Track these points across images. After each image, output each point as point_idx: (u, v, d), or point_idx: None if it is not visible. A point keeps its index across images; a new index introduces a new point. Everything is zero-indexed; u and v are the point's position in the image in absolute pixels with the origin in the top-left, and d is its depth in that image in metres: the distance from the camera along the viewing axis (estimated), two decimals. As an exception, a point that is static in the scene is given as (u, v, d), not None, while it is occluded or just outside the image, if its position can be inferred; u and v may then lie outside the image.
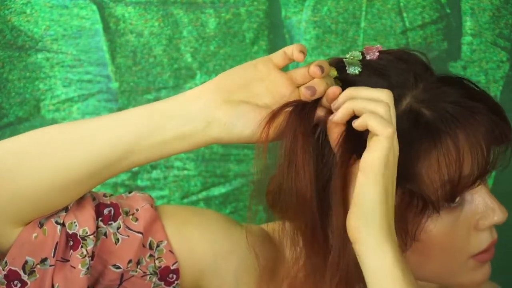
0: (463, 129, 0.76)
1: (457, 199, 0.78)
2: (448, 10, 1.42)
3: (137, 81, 1.40)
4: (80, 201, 0.81)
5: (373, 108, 0.72)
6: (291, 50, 0.78)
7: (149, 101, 1.41)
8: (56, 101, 1.39)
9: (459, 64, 1.43)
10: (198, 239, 0.86)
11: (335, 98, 0.76)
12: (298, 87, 0.79)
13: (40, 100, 1.39)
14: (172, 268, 0.83)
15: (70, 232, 0.79)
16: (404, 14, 1.41)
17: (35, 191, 0.76)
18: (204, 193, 1.43)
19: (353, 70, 0.80)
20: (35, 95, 1.39)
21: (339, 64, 0.81)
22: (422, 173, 0.76)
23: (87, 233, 0.79)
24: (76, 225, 0.79)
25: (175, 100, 0.78)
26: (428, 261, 0.80)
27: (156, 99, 1.41)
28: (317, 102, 0.78)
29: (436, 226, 0.78)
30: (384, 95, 0.73)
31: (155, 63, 1.40)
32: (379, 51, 0.81)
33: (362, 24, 1.41)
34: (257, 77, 0.78)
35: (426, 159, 0.76)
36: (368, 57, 0.81)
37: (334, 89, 0.76)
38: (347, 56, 0.81)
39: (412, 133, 0.76)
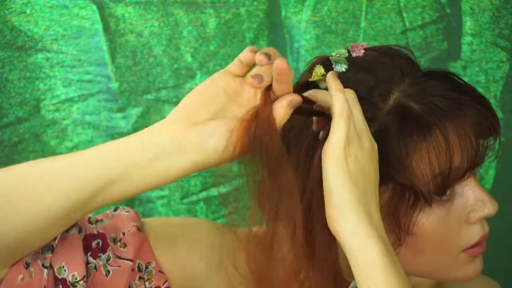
0: (452, 121, 0.76)
1: (448, 192, 0.79)
2: (448, 10, 1.42)
3: (137, 81, 1.40)
4: (66, 239, 0.78)
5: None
6: (244, 55, 0.75)
7: (149, 101, 1.41)
8: (56, 101, 1.39)
9: (459, 64, 1.43)
10: (188, 255, 0.85)
11: (283, 68, 0.72)
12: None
13: (40, 100, 1.39)
14: (163, 287, 0.83)
15: (60, 276, 0.76)
16: (404, 14, 1.41)
17: (15, 233, 0.72)
18: (204, 193, 1.43)
19: (340, 67, 0.80)
20: (35, 95, 1.39)
21: (325, 63, 0.80)
22: (413, 166, 0.76)
23: (77, 278, 0.76)
24: (65, 270, 0.77)
25: (139, 140, 0.73)
26: (421, 255, 0.80)
27: (156, 99, 1.41)
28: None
29: (428, 220, 0.78)
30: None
31: (155, 63, 1.40)
32: (365, 48, 0.81)
33: (362, 24, 1.41)
34: (218, 90, 0.75)
35: (416, 152, 0.76)
36: (353, 54, 0.81)
37: (280, 61, 0.72)
38: (333, 54, 0.81)
39: (402, 127, 0.76)
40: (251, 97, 0.75)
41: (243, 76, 0.76)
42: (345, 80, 0.78)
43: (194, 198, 1.43)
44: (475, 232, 0.80)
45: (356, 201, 0.70)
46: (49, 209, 0.71)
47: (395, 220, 0.77)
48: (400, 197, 0.77)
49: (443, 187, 0.77)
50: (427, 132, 0.76)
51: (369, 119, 0.76)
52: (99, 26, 1.38)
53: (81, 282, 0.77)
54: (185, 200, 1.43)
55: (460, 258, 0.81)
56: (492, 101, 1.43)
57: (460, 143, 0.77)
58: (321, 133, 0.78)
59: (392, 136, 0.76)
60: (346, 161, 0.71)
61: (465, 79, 1.42)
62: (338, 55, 0.80)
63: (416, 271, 0.82)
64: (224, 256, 0.84)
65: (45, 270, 0.76)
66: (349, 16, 1.41)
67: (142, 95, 1.40)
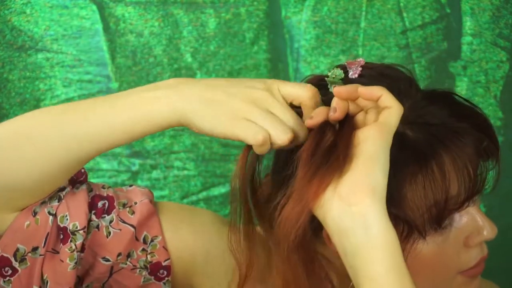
0: (449, 152, 0.75)
1: (444, 222, 0.77)
2: (448, 10, 1.42)
3: (137, 81, 1.40)
4: (75, 193, 0.81)
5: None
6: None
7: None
8: (56, 101, 1.39)
9: (459, 64, 1.43)
10: (192, 239, 0.86)
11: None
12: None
13: (40, 100, 1.39)
14: (163, 264, 0.84)
15: (61, 225, 0.79)
16: (404, 14, 1.41)
17: (24, 182, 0.76)
18: (204, 193, 1.43)
19: None
20: (35, 95, 1.39)
21: (320, 83, 0.78)
22: (407, 198, 0.75)
23: (77, 227, 0.79)
24: (67, 219, 0.79)
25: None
26: (418, 278, 0.79)
27: (156, 99, 1.41)
28: None
29: (424, 247, 0.77)
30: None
31: (155, 63, 1.40)
32: (362, 66, 0.79)
33: (362, 24, 1.41)
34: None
35: (411, 183, 0.74)
36: (350, 73, 0.78)
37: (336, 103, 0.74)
38: (329, 74, 0.79)
39: (398, 155, 0.73)
40: None
41: None
42: None
43: (194, 198, 1.43)
44: (474, 255, 0.79)
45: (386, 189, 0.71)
46: (62, 160, 0.74)
47: None
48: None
49: (438, 218, 0.76)
50: (423, 164, 0.74)
51: None
52: (99, 26, 1.38)
53: (81, 231, 0.79)
54: (185, 200, 1.43)
55: (457, 279, 0.80)
56: (492, 101, 1.43)
57: (457, 175, 0.75)
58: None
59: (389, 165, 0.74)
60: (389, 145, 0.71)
61: (465, 79, 1.43)
62: (334, 76, 0.78)
63: None
64: (225, 248, 0.84)
65: (50, 217, 0.79)
66: (349, 16, 1.41)
67: (142, 95, 1.40)
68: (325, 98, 0.76)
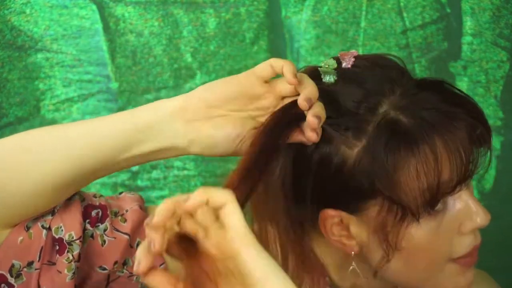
0: (441, 135, 0.75)
1: (438, 206, 0.78)
2: (448, 10, 1.42)
3: (137, 81, 1.40)
4: (67, 204, 0.81)
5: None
6: (280, 66, 0.75)
7: (149, 101, 1.40)
8: (56, 101, 1.39)
9: (459, 64, 1.43)
10: None
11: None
12: (282, 98, 0.78)
13: (40, 100, 1.39)
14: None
15: (56, 236, 0.79)
16: (404, 14, 1.41)
17: (18, 199, 0.76)
18: (204, 193, 1.43)
19: (329, 78, 0.79)
20: (35, 95, 1.39)
21: (314, 73, 0.79)
22: (400, 181, 0.75)
23: (73, 238, 0.79)
24: (62, 230, 0.79)
25: (156, 113, 0.77)
26: (412, 267, 0.79)
27: (156, 99, 1.40)
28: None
29: (418, 232, 0.77)
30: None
31: (155, 63, 1.40)
32: (355, 57, 0.80)
33: (362, 24, 1.41)
34: (239, 90, 0.76)
35: (404, 167, 0.75)
36: (343, 64, 0.79)
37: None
38: (322, 64, 0.80)
39: (390, 141, 0.75)
40: (270, 105, 0.77)
41: (267, 80, 0.77)
42: (333, 93, 0.77)
43: (194, 198, 1.43)
44: (467, 243, 0.79)
45: None
46: (57, 174, 0.76)
47: (383, 235, 0.77)
48: (387, 212, 0.76)
49: (432, 201, 0.76)
50: (415, 148, 0.75)
51: (358, 133, 0.76)
52: (99, 26, 1.38)
53: (77, 241, 0.79)
54: (185, 200, 1.43)
55: (450, 268, 0.80)
56: (492, 100, 1.43)
57: (450, 158, 0.76)
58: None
59: (380, 150, 0.74)
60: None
61: (465, 79, 1.43)
62: (327, 66, 0.79)
63: (405, 282, 0.82)
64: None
65: (44, 231, 0.79)
66: (349, 16, 1.41)
67: (142, 95, 1.40)
68: (319, 88, 0.76)
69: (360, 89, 0.77)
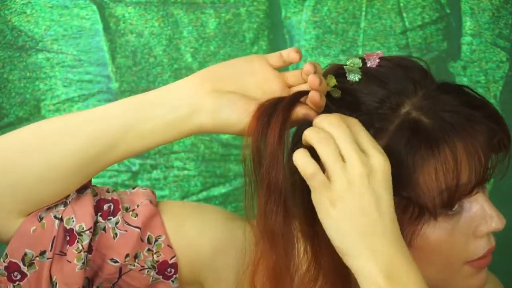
0: (461, 138, 0.76)
1: (455, 207, 0.78)
2: (448, 10, 1.42)
3: (137, 81, 1.40)
4: (80, 197, 0.83)
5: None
6: (287, 52, 0.79)
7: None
8: (56, 101, 1.39)
9: (459, 64, 1.43)
10: (197, 235, 0.87)
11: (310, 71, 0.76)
12: (289, 87, 0.79)
13: (41, 100, 1.39)
14: (170, 262, 0.85)
15: (68, 227, 0.81)
16: (404, 14, 1.41)
17: (30, 183, 0.78)
18: (204, 193, 1.43)
19: (353, 77, 0.80)
20: (35, 95, 1.39)
21: (338, 71, 0.81)
22: (419, 181, 0.76)
23: (83, 228, 0.81)
24: (73, 221, 0.81)
25: (161, 89, 0.81)
26: (427, 267, 0.80)
27: (156, 99, 1.41)
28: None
29: (434, 233, 0.78)
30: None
31: (155, 63, 1.40)
32: (380, 58, 0.81)
33: (362, 24, 1.41)
34: (249, 70, 0.79)
35: (424, 167, 0.76)
36: (368, 64, 0.81)
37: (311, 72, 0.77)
38: (348, 63, 0.81)
39: (411, 141, 0.76)
40: (277, 90, 0.78)
41: (276, 69, 0.80)
42: (357, 91, 0.78)
43: (194, 198, 1.43)
44: (482, 246, 0.80)
45: (355, 242, 0.70)
46: (62, 160, 0.78)
47: None
48: (403, 210, 0.77)
49: (449, 202, 0.77)
50: (435, 148, 0.76)
51: (379, 132, 0.76)
52: (99, 26, 1.38)
53: (87, 232, 0.81)
54: (185, 200, 1.43)
55: (464, 270, 0.81)
56: (492, 101, 1.43)
57: (469, 160, 0.76)
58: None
59: (401, 150, 0.75)
60: (328, 210, 0.71)
61: (465, 79, 1.43)
62: (352, 65, 0.80)
63: None
64: (230, 243, 0.85)
65: (56, 221, 0.81)
66: (349, 16, 1.41)
67: (142, 95, 1.40)
68: (342, 86, 0.78)
69: (383, 89, 0.78)
